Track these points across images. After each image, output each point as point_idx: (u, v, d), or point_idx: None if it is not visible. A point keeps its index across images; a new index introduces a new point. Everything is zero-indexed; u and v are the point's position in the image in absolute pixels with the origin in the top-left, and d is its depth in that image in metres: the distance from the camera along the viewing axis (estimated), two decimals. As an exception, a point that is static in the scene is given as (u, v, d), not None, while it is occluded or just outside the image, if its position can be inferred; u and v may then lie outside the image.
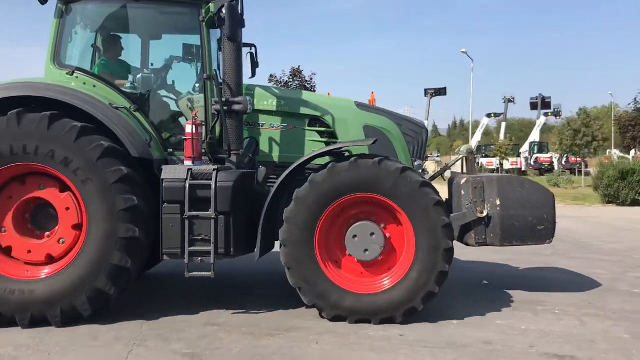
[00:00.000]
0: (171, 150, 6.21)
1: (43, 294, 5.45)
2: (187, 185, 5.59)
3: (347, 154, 6.18)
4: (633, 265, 8.86)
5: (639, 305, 6.48)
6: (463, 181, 6.39)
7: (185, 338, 5.21)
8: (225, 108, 5.94)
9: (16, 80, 5.94)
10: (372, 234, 5.73)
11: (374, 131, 6.69)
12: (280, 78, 28.33)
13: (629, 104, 40.66)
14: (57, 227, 5.69)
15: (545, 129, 54.49)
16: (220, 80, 6.07)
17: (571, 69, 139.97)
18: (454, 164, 8.20)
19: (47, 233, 5.75)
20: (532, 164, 45.42)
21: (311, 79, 28.52)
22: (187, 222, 5.58)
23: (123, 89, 6.27)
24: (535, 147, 47.45)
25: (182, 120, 6.47)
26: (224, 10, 5.78)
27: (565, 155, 38.76)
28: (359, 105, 6.94)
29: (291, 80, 28.35)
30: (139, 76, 6.58)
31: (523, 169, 44.61)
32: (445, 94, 50.46)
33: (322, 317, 5.77)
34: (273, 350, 4.95)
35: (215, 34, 6.43)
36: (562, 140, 33.02)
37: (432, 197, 5.62)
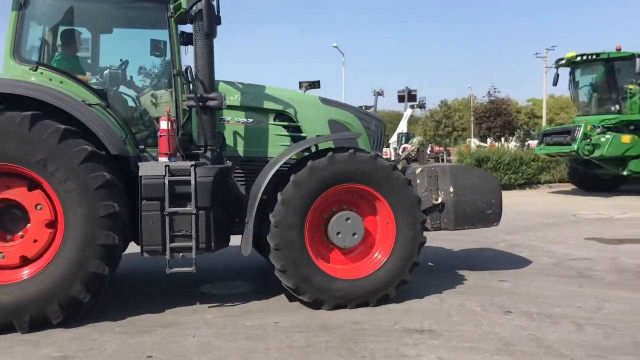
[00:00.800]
0: (142, 146, 6.06)
1: (12, 301, 5.20)
2: (167, 182, 5.55)
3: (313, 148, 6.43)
4: (488, 243, 9.74)
5: (491, 280, 7.19)
6: (418, 170, 6.90)
7: (56, 341, 5.06)
8: (200, 104, 5.87)
9: None
10: (349, 221, 6.04)
11: (338, 125, 6.95)
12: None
13: (484, 97, 44.11)
14: (28, 227, 5.43)
15: (412, 120, 57.49)
16: (186, 76, 6.07)
17: (435, 63, 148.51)
18: (407, 154, 8.66)
19: (20, 234, 5.45)
20: (400, 153, 47.72)
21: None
22: (167, 218, 5.55)
23: (91, 85, 6.05)
24: (403, 137, 49.88)
25: (146, 116, 6.33)
26: (196, 7, 5.72)
27: (430, 145, 41.23)
28: (323, 100, 7.14)
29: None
30: (106, 72, 6.38)
31: (392, 159, 46.75)
32: (319, 87, 51.51)
33: (301, 301, 5.95)
34: (149, 346, 4.95)
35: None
36: (426, 131, 35.13)
37: (416, 194, 6.18)
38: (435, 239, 8.88)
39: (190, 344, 5.00)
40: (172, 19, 6.10)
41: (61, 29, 6.37)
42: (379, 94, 53.42)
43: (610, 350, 4.70)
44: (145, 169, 5.62)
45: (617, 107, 17.34)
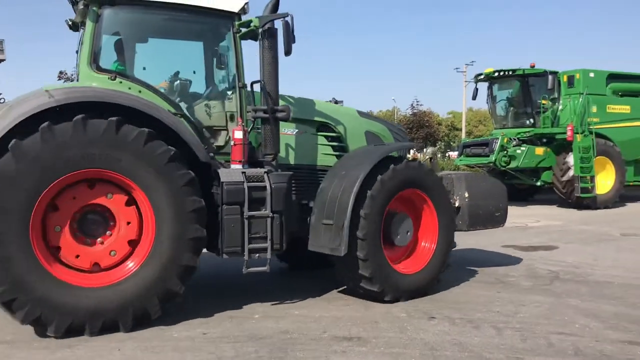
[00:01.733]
0: (212, 154, 6.26)
1: (115, 300, 5.40)
2: (246, 188, 5.95)
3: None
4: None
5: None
6: None
7: (-33, 360, 4.80)
8: (270, 115, 6.30)
9: (69, 85, 5.72)
10: (404, 222, 6.78)
11: (374, 136, 7.64)
12: (71, 75, 26.50)
13: (407, 109, 45.34)
14: (110, 237, 5.63)
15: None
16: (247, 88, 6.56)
17: (361, 75, 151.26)
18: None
19: (99, 240, 5.61)
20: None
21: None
22: (246, 221, 5.94)
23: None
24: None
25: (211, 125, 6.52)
26: (269, 26, 6.19)
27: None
28: (360, 113, 7.86)
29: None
30: (176, 82, 6.68)
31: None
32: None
33: (384, 301, 6.46)
34: (71, 361, 4.78)
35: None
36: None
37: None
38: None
39: (115, 359, 4.86)
40: (238, 35, 6.50)
41: (129, 40, 6.46)
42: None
43: (527, 352, 4.95)
44: (226, 176, 5.98)
45: (532, 120, 18.25)
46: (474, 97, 19.47)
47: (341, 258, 6.22)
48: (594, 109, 17.32)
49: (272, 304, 6.54)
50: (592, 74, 17.61)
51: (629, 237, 11.47)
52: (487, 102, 19.94)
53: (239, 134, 6.21)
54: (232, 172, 6.10)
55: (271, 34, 6.26)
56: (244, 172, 6.06)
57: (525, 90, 18.35)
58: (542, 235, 11.77)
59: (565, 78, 17.79)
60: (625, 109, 17.95)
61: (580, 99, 17.13)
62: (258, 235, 6.06)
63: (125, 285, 5.50)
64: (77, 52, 6.43)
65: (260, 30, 6.25)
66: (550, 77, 16.95)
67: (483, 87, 19.59)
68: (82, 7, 6.00)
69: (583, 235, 11.79)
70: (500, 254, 9.75)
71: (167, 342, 5.26)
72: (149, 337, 5.37)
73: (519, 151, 17.36)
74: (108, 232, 5.64)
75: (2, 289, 5.05)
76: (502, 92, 19.34)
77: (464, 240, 10.39)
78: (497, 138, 17.47)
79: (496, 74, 18.50)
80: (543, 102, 17.64)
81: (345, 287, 7.00)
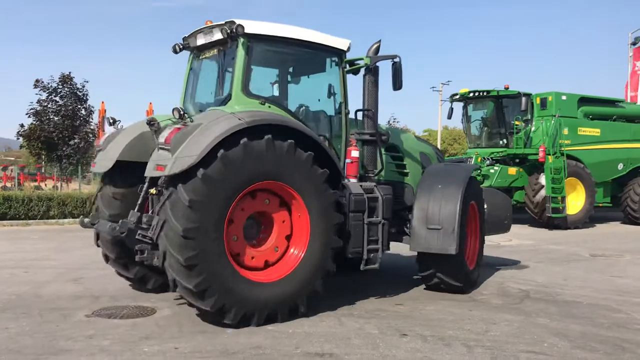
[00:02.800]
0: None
1: (278, 295, 6.34)
2: (366, 198, 7.17)
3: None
4: (385, 268, 10.03)
5: (388, 304, 7.45)
6: None
7: None
8: (377, 138, 7.72)
9: (246, 110, 6.49)
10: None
11: (425, 156, 9.10)
12: (48, 84, 26.22)
13: (384, 126, 45.59)
14: (270, 237, 6.64)
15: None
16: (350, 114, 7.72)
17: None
18: None
19: (263, 242, 6.66)
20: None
21: (83, 86, 26.87)
22: (365, 226, 7.14)
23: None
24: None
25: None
26: (378, 64, 7.63)
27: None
28: (416, 137, 9.59)
29: (61, 87, 26.37)
30: (302, 108, 7.68)
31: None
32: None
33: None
34: (39, 375, 4.71)
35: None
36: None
37: None
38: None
39: (85, 372, 4.80)
40: (345, 70, 7.71)
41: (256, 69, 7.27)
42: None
43: (496, 370, 5.02)
44: (353, 188, 7.16)
45: (505, 141, 18.59)
46: (449, 117, 19.75)
47: (436, 256, 7.65)
48: (566, 131, 17.71)
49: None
50: (564, 97, 18.03)
51: (597, 258, 11.70)
52: (462, 122, 20.25)
53: (355, 153, 7.45)
54: (355, 185, 7.27)
55: (376, 71, 7.67)
56: (361, 185, 7.31)
57: (499, 111, 18.68)
58: (514, 254, 11.93)
59: (538, 100, 18.17)
60: (595, 131, 18.39)
61: (553, 121, 17.49)
62: (373, 238, 7.25)
63: (285, 283, 6.43)
64: (188, 76, 7.74)
65: (372, 66, 7.60)
66: (523, 98, 17.28)
67: (458, 106, 19.90)
68: (229, 39, 6.90)
69: (553, 255, 11.99)
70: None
71: (139, 356, 5.21)
72: (120, 351, 5.32)
73: (492, 170, 17.64)
74: (265, 233, 6.70)
75: (201, 278, 5.81)
76: (476, 112, 19.66)
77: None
78: (471, 157, 17.74)
79: (471, 94, 18.81)
80: (516, 123, 17.97)
81: (317, 302, 7.02)
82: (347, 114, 7.64)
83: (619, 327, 6.50)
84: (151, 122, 6.87)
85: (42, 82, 26.12)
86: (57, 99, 26.29)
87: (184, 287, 5.89)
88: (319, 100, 7.81)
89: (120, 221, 6.45)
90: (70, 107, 26.06)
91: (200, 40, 7.38)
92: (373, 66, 7.59)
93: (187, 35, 7.63)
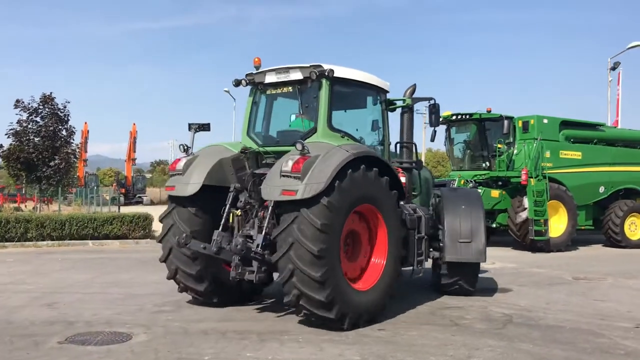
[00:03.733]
0: None
1: (373, 300, 7.59)
2: (415, 217, 8.63)
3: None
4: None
5: (369, 329, 7.32)
6: None
7: None
8: (415, 166, 9.45)
9: (348, 143, 7.75)
10: None
11: (427, 180, 10.49)
12: (29, 104, 25.95)
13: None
14: (361, 250, 7.89)
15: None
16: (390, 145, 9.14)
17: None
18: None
19: (356, 255, 7.88)
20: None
21: (64, 107, 26.65)
22: (416, 241, 8.55)
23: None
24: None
25: None
26: (415, 106, 9.45)
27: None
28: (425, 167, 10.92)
29: (42, 107, 26.13)
30: (362, 141, 8.70)
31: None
32: (209, 129, 51.00)
33: None
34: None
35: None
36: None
37: None
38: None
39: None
40: (386, 106, 9.06)
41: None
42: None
43: (478, 398, 4.91)
44: (407, 209, 8.62)
45: (487, 164, 18.63)
46: (432, 139, 19.61)
47: (463, 265, 9.22)
48: (547, 154, 17.79)
49: (225, 345, 6.36)
50: (545, 120, 18.14)
51: (579, 281, 11.68)
52: (445, 144, 20.29)
53: (403, 179, 8.82)
54: (407, 206, 8.71)
55: (412, 110, 9.31)
56: (409, 206, 8.76)
57: (482, 134, 18.75)
58: (497, 277, 11.88)
59: (520, 123, 18.23)
60: (577, 154, 18.50)
61: (535, 144, 17.60)
62: (419, 251, 8.65)
63: (376, 289, 7.65)
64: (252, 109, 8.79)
65: (412, 105, 9.24)
66: (505, 122, 17.37)
67: (441, 129, 19.91)
68: (314, 80, 7.95)
69: (536, 279, 11.95)
70: (456, 295, 9.77)
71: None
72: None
73: (476, 193, 17.63)
74: (355, 248, 7.85)
75: (329, 290, 6.81)
76: (459, 135, 19.71)
77: (420, 280, 10.42)
78: (454, 179, 17.72)
79: (454, 117, 18.86)
80: (499, 146, 18.04)
81: (298, 326, 6.88)
82: (389, 145, 9.04)
83: (602, 352, 6.44)
84: (244, 151, 8.26)
85: (23, 102, 25.88)
86: (38, 119, 26.05)
87: (313, 300, 6.82)
88: (358, 131, 8.86)
89: (214, 240, 7.53)
90: (51, 128, 25.81)
91: (271, 78, 8.39)
92: (412, 106, 9.20)
93: (254, 72, 8.56)
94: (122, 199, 43.90)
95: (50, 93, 26.21)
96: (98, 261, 13.81)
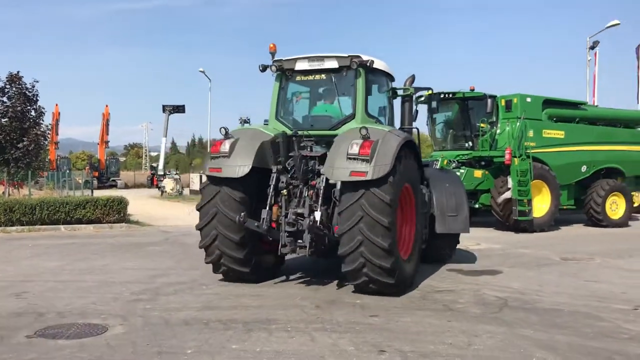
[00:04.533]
0: None
1: (412, 267, 8.58)
2: (427, 196, 9.84)
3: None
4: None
5: (361, 315, 6.96)
6: None
7: None
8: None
9: (390, 129, 8.51)
10: None
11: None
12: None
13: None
14: (399, 223, 8.33)
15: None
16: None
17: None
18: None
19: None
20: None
21: (33, 86, 25.60)
22: (426, 217, 9.78)
23: None
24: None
25: None
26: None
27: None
28: None
29: (9, 86, 25.07)
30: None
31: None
32: (184, 111, 50.15)
33: None
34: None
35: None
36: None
37: None
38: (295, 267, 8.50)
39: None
40: (391, 95, 9.90)
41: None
42: (246, 121, 53.14)
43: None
44: (424, 190, 9.61)
45: (470, 143, 18.34)
46: (414, 119, 19.32)
47: (449, 236, 10.40)
48: (531, 133, 17.55)
49: (208, 337, 5.94)
50: (529, 99, 17.88)
51: (568, 262, 11.47)
52: (427, 124, 19.95)
53: None
54: (421, 186, 9.40)
55: (411, 98, 10.06)
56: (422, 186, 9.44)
57: (465, 113, 18.44)
58: (485, 259, 11.63)
59: (503, 102, 17.95)
60: (559, 134, 18.32)
61: (518, 123, 17.35)
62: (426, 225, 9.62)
63: (412, 257, 8.57)
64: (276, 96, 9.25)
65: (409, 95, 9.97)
66: (489, 100, 17.06)
67: (423, 109, 19.55)
68: (352, 69, 8.70)
69: (524, 259, 11.72)
70: (446, 278, 9.48)
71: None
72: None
73: (458, 173, 17.34)
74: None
75: (394, 258, 7.62)
76: (441, 114, 19.39)
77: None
78: (437, 160, 17.40)
79: (436, 96, 18.47)
80: (482, 125, 17.76)
81: (285, 313, 6.49)
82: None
83: (605, 336, 6.16)
84: (282, 135, 8.57)
85: (-12, 81, 24.78)
86: (5, 99, 25.00)
87: (380, 267, 7.56)
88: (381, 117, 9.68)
89: (264, 219, 8.04)
90: (19, 109, 24.78)
91: (303, 66, 8.90)
92: (413, 94, 9.97)
93: (284, 59, 9.04)
94: (95, 182, 42.98)
95: (18, 72, 25.13)
96: (70, 247, 13.21)
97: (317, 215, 7.88)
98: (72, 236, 15.54)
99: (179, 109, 50.14)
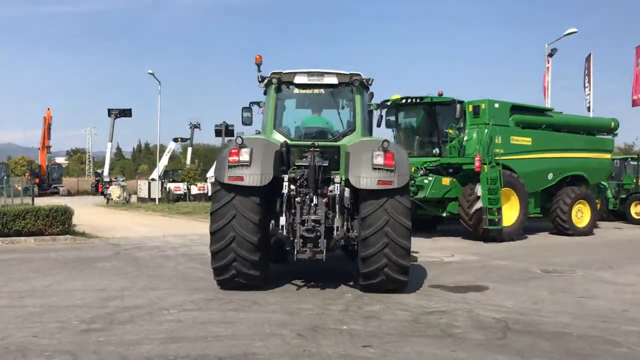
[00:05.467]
0: None
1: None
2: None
3: None
4: (333, 297, 8.68)
5: (352, 346, 6.07)
6: None
7: None
8: None
9: (381, 139, 8.73)
10: None
11: None
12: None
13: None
14: None
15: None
16: None
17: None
18: None
19: None
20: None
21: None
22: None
23: None
24: (171, 172, 47.82)
25: None
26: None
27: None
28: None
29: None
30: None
31: (210, 194, 44.94)
32: (130, 115, 48.24)
33: None
34: None
35: None
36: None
37: None
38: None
39: None
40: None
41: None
42: (196, 126, 51.50)
43: None
44: None
45: (437, 150, 17.78)
46: (379, 124, 18.67)
47: None
48: (499, 139, 17.15)
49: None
50: (496, 105, 17.45)
51: (551, 275, 10.92)
52: (393, 130, 19.26)
53: None
54: None
55: (372, 113, 10.98)
56: None
57: (432, 118, 17.90)
58: (464, 273, 10.93)
59: (470, 108, 17.49)
60: (526, 140, 17.97)
61: (487, 130, 16.88)
62: None
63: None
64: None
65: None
66: (458, 106, 16.54)
67: (389, 114, 18.85)
68: (350, 86, 9.41)
69: (504, 273, 11.09)
70: (432, 296, 8.70)
71: None
72: None
73: (426, 181, 16.73)
74: None
75: (409, 257, 8.52)
76: (408, 119, 18.79)
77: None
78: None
79: (403, 101, 17.86)
80: (450, 131, 17.22)
81: (265, 344, 5.52)
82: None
83: (630, 367, 5.47)
84: (314, 146, 8.86)
85: None
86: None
87: (400, 266, 8.31)
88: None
89: (282, 225, 8.37)
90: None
91: (302, 80, 9.34)
92: (375, 110, 11.02)
93: (283, 72, 9.40)
94: (36, 189, 40.62)
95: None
96: (8, 263, 11.77)
97: (337, 221, 8.46)
98: (10, 250, 14.00)
99: (126, 112, 48.19)
